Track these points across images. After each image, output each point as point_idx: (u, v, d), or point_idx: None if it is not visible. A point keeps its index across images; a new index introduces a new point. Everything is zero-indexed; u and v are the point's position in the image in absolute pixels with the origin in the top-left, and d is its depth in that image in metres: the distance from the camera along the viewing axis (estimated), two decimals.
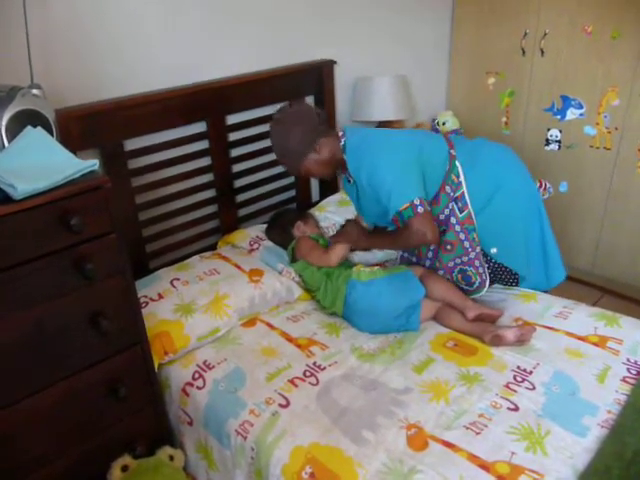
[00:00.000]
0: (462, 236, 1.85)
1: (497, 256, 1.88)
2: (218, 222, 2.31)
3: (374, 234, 2.02)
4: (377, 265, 2.08)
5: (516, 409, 1.44)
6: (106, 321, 1.36)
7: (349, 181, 1.97)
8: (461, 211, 1.84)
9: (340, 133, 1.90)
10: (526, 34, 2.79)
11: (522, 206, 1.89)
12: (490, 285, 1.95)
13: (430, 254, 1.97)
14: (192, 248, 2.24)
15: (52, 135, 1.36)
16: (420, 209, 1.71)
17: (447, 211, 1.85)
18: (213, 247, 2.26)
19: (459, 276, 1.89)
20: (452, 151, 1.87)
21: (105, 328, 1.36)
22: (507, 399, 1.47)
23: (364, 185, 1.84)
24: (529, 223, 1.91)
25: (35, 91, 1.40)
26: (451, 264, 1.89)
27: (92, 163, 1.30)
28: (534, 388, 1.51)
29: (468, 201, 1.83)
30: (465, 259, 1.86)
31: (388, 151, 1.80)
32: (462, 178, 1.84)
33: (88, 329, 1.36)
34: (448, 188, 1.84)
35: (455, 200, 1.84)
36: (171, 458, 1.60)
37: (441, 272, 1.91)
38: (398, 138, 1.88)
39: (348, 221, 2.05)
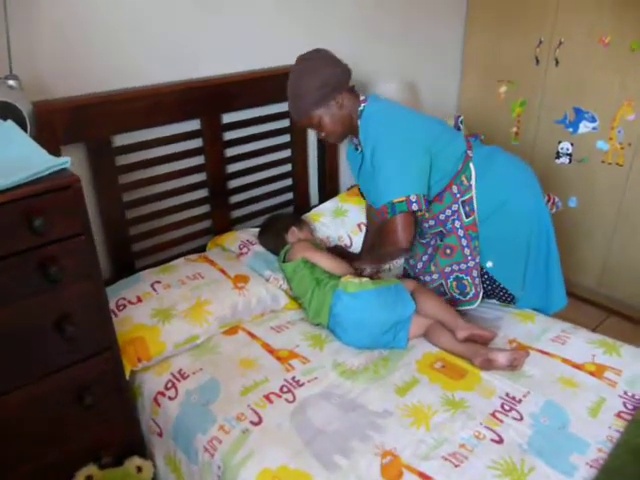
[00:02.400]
0: (464, 242, 1.77)
1: (492, 270, 1.79)
2: (210, 223, 2.24)
3: (359, 257, 2.02)
4: (369, 276, 1.99)
5: (500, 441, 1.35)
6: (71, 327, 1.29)
7: (356, 149, 1.89)
8: (467, 216, 1.76)
9: (362, 98, 1.80)
10: (541, 42, 2.68)
11: (528, 225, 1.80)
12: (487, 298, 1.87)
13: (425, 257, 1.89)
14: (182, 248, 2.16)
15: (25, 129, 1.30)
16: (414, 206, 1.65)
17: (449, 212, 1.78)
18: (204, 248, 2.19)
19: (454, 283, 1.81)
20: (469, 152, 1.79)
21: (69, 334, 1.29)
22: (492, 429, 1.39)
23: (367, 157, 1.77)
24: (534, 244, 1.81)
25: (11, 82, 1.35)
26: (448, 269, 1.81)
27: (63, 161, 1.23)
28: (522, 419, 1.42)
29: (476, 207, 1.76)
30: (463, 267, 1.78)
31: (400, 130, 1.72)
32: (473, 182, 1.76)
33: (53, 334, 1.29)
34: (455, 188, 1.77)
35: (463, 203, 1.76)
36: (139, 469, 1.54)
37: (435, 276, 1.84)
38: (416, 121, 1.79)
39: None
